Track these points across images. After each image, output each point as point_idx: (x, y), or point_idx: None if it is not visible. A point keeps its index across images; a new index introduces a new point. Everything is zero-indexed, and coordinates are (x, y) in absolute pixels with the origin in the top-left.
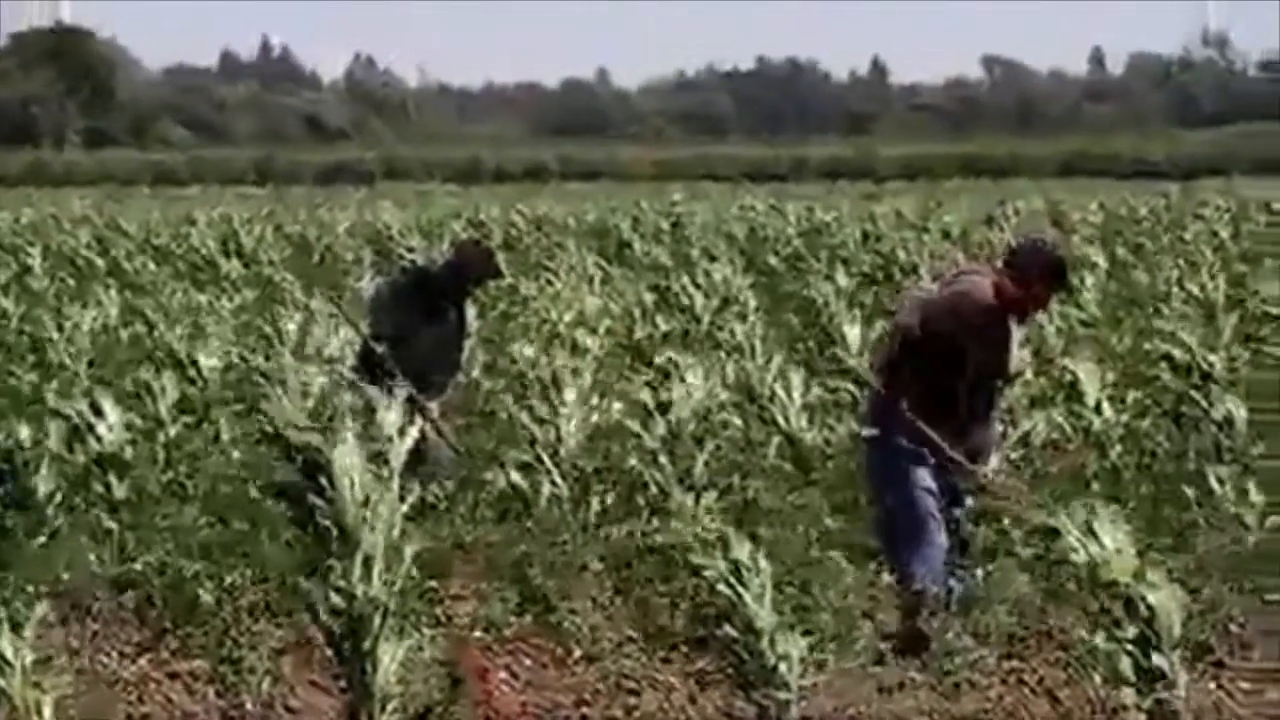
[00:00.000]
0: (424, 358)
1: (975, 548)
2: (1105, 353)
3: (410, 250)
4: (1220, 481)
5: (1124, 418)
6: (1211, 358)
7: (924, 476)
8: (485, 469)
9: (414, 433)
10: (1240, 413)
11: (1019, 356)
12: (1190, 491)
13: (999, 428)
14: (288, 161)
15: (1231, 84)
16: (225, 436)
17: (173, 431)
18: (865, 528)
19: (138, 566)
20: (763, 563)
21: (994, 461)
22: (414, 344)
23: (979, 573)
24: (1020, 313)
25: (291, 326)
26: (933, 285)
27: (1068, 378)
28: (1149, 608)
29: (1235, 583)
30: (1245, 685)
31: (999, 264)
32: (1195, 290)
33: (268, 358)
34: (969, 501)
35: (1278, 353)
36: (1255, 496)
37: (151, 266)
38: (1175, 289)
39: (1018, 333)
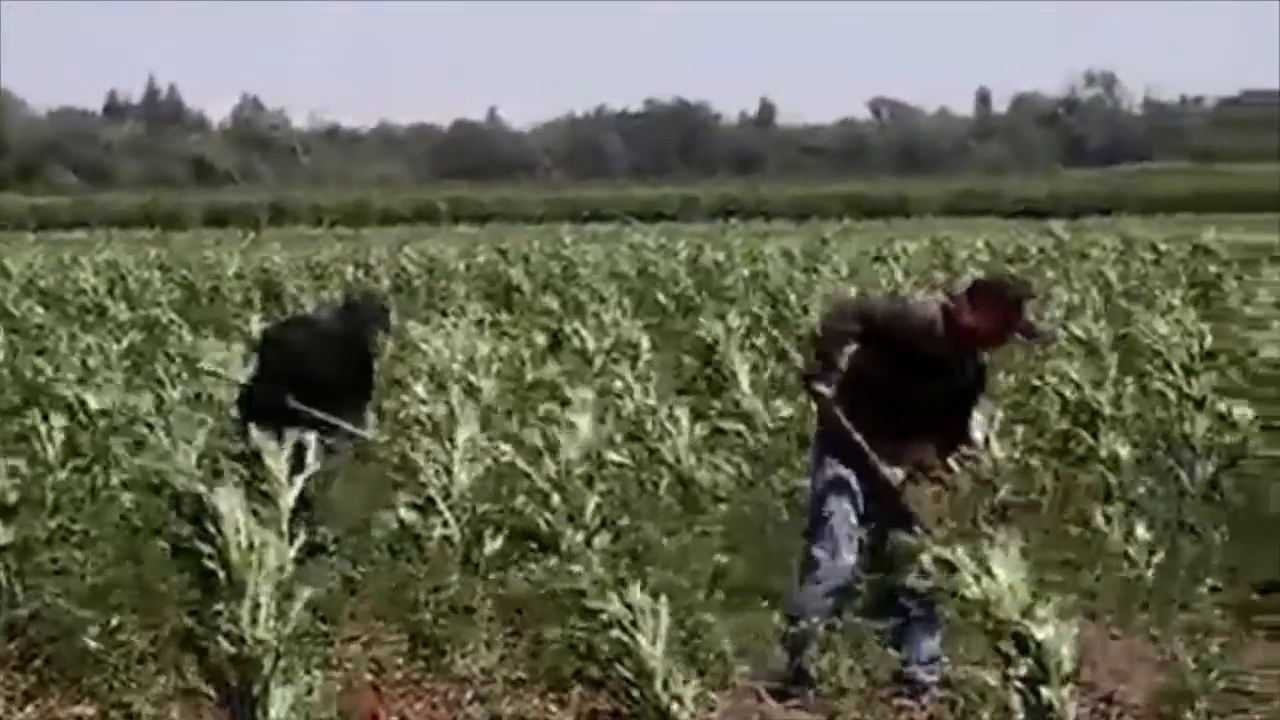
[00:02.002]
0: (309, 404)
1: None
2: (992, 390)
3: (300, 291)
4: (1107, 519)
5: (1013, 455)
6: (1099, 396)
7: (845, 500)
8: (376, 510)
9: (302, 478)
10: (1126, 451)
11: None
12: (1077, 529)
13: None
14: (174, 204)
15: (1117, 123)
16: (114, 481)
17: (60, 476)
18: (755, 567)
19: (23, 612)
20: (655, 604)
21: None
22: (304, 394)
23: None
24: (965, 343)
25: (181, 370)
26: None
27: None
28: (1039, 644)
29: (1123, 619)
30: None
31: (956, 294)
32: (1081, 329)
33: (157, 400)
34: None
35: (1164, 391)
36: (1142, 534)
37: (39, 310)
38: (1062, 327)
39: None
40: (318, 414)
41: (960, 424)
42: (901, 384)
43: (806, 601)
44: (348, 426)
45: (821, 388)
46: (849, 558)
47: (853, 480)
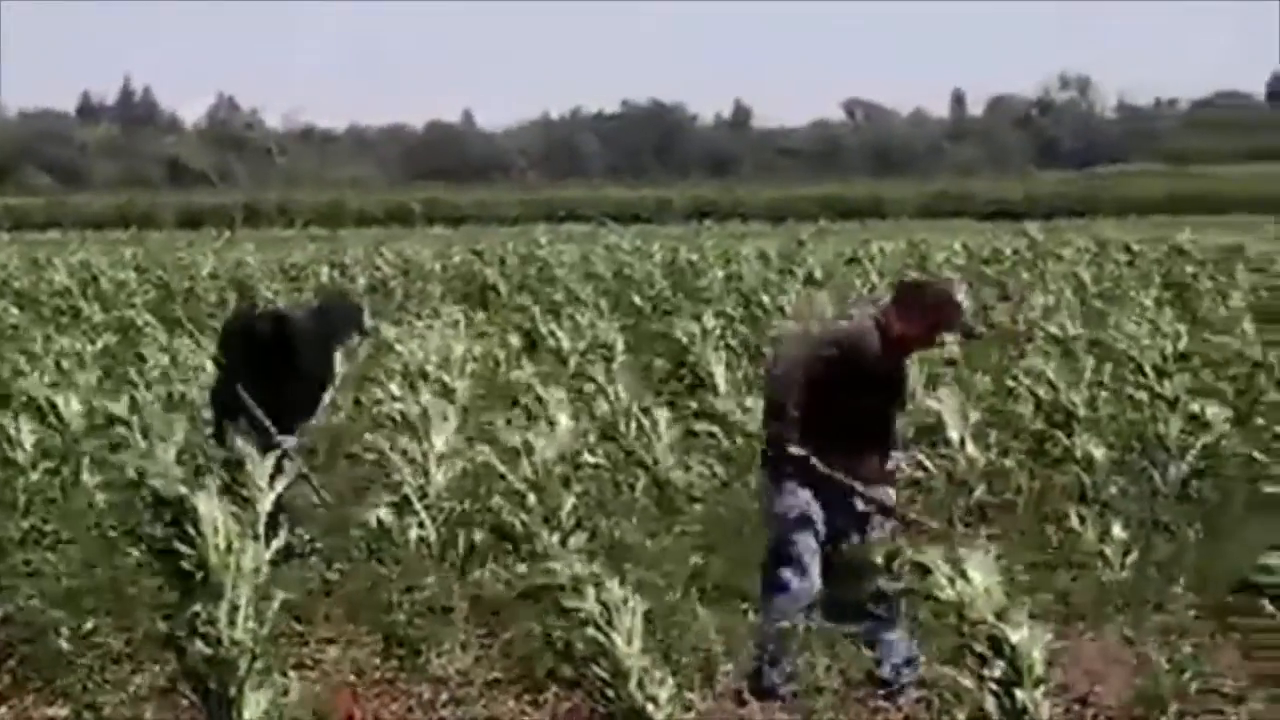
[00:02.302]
0: (275, 399)
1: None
2: (968, 392)
3: (274, 294)
4: (1082, 520)
5: (987, 457)
6: (1074, 397)
7: (809, 528)
8: (352, 511)
9: (282, 480)
10: (1101, 452)
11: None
12: (1052, 530)
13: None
14: (149, 205)
15: (1091, 125)
16: (87, 482)
17: (33, 477)
18: (731, 567)
19: None
20: (631, 603)
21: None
22: (266, 385)
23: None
24: (905, 349)
25: (155, 371)
26: (801, 328)
27: (931, 417)
28: (1012, 647)
29: (1097, 620)
30: None
31: (882, 302)
32: (1056, 330)
33: (131, 402)
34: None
35: (1137, 393)
36: (1117, 535)
37: (13, 311)
38: (1037, 329)
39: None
40: (256, 410)
41: (891, 432)
42: (849, 402)
43: (774, 624)
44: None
45: (795, 449)
46: (816, 580)
47: (814, 505)
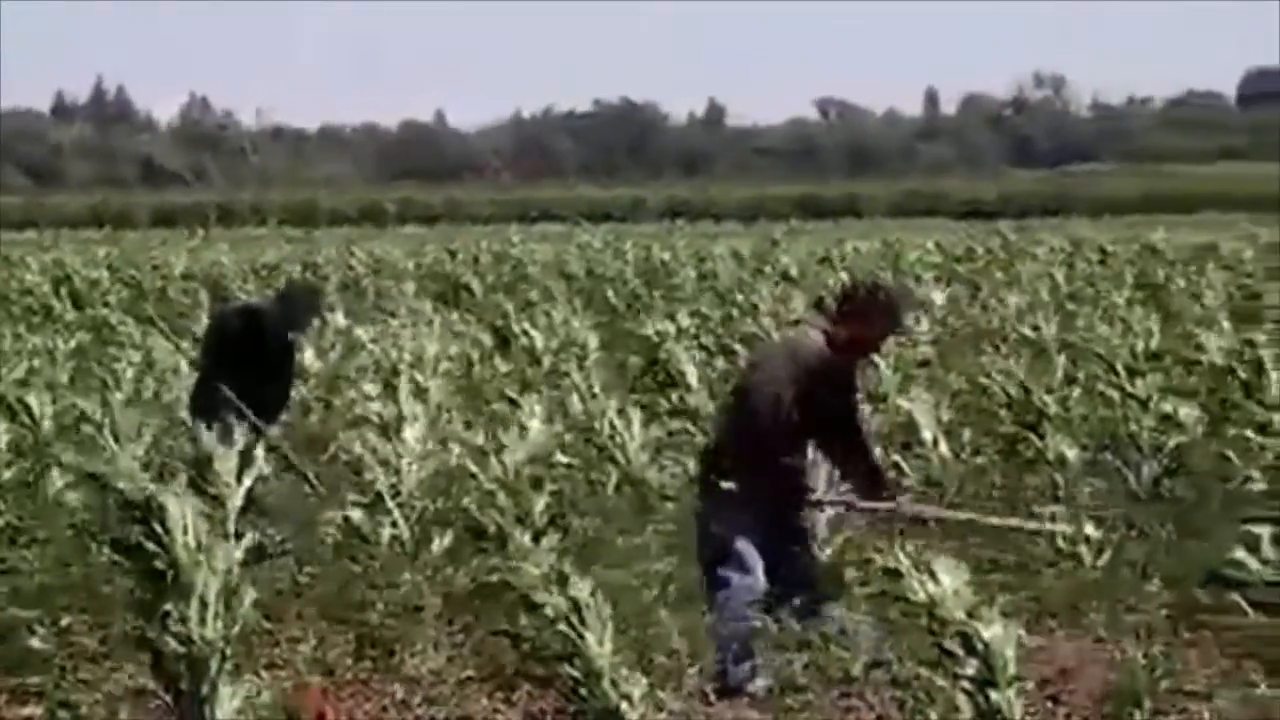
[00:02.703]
0: (255, 391)
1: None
2: (940, 392)
3: (247, 293)
4: (1053, 519)
5: (961, 456)
6: (1046, 397)
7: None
8: (324, 509)
9: (251, 477)
10: (1073, 452)
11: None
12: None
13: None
14: (123, 205)
15: (1064, 124)
16: (59, 481)
17: (5, 475)
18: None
19: None
20: (603, 602)
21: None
22: (245, 378)
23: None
24: (857, 356)
25: (128, 370)
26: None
27: (903, 416)
28: (985, 645)
29: (1070, 619)
30: None
31: (829, 312)
32: (1029, 330)
33: (103, 401)
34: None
35: (1109, 393)
36: (1089, 534)
37: None
38: (1010, 328)
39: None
40: (240, 404)
41: (859, 445)
42: (822, 414)
43: (726, 622)
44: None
45: (817, 495)
46: (760, 578)
47: (754, 530)
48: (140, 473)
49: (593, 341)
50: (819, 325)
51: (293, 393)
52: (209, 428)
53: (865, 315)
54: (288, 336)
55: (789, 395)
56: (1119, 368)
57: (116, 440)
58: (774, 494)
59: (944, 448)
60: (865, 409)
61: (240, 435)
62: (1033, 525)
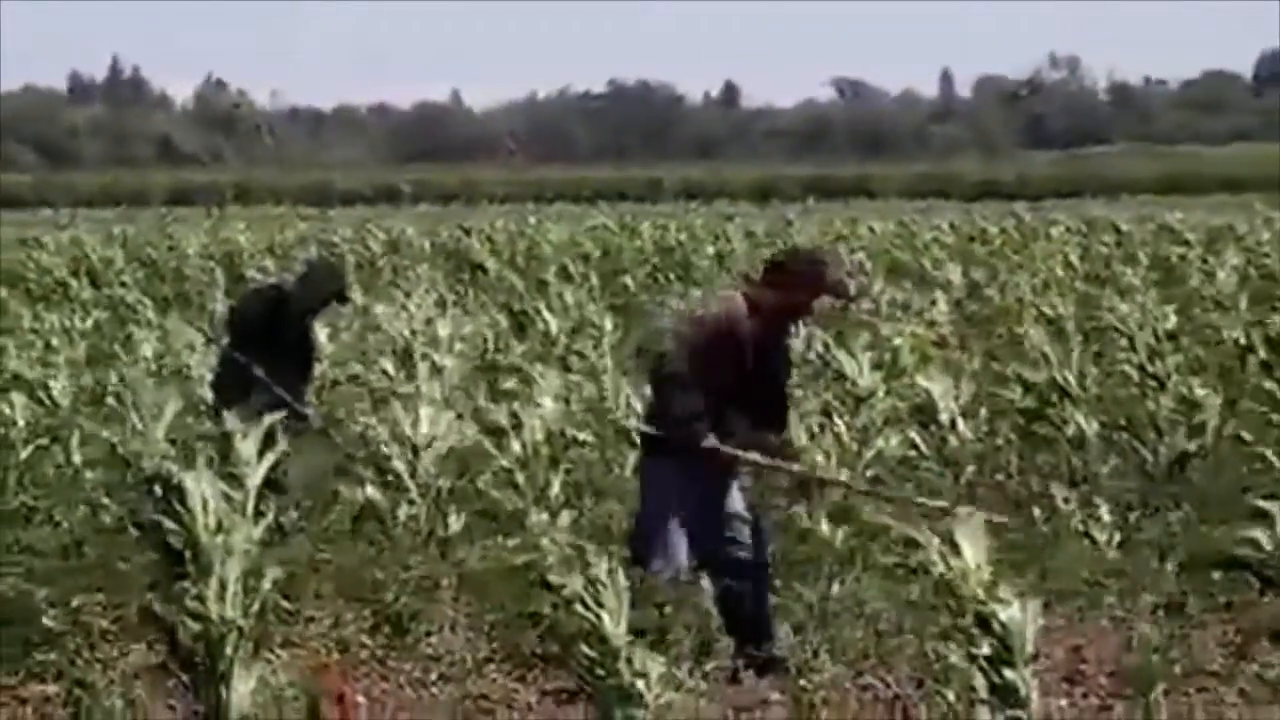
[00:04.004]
0: (279, 372)
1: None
2: (957, 371)
3: (263, 271)
4: (1069, 499)
5: (977, 435)
6: (1067, 376)
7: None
8: (340, 488)
9: (271, 456)
10: (1090, 431)
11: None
12: (1040, 509)
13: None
14: (139, 184)
15: (1080, 106)
16: (77, 459)
17: (24, 454)
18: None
19: None
20: (619, 580)
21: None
22: (269, 358)
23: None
24: (782, 320)
25: (145, 349)
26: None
27: (920, 396)
28: (1002, 624)
29: (1085, 599)
30: (1096, 701)
31: (754, 278)
32: (1046, 310)
33: (120, 379)
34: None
35: (1127, 371)
36: (1106, 514)
37: (1, 290)
38: (1027, 308)
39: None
40: (276, 388)
41: (781, 412)
42: (736, 380)
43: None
44: (300, 406)
45: (710, 443)
46: (683, 560)
47: (685, 492)
48: (164, 450)
49: (608, 322)
50: (742, 290)
51: (314, 372)
52: (231, 407)
53: (789, 280)
54: (310, 316)
55: (699, 359)
56: (1137, 347)
57: (139, 418)
58: (692, 459)
59: (962, 427)
60: (792, 376)
61: (266, 415)
62: (937, 505)
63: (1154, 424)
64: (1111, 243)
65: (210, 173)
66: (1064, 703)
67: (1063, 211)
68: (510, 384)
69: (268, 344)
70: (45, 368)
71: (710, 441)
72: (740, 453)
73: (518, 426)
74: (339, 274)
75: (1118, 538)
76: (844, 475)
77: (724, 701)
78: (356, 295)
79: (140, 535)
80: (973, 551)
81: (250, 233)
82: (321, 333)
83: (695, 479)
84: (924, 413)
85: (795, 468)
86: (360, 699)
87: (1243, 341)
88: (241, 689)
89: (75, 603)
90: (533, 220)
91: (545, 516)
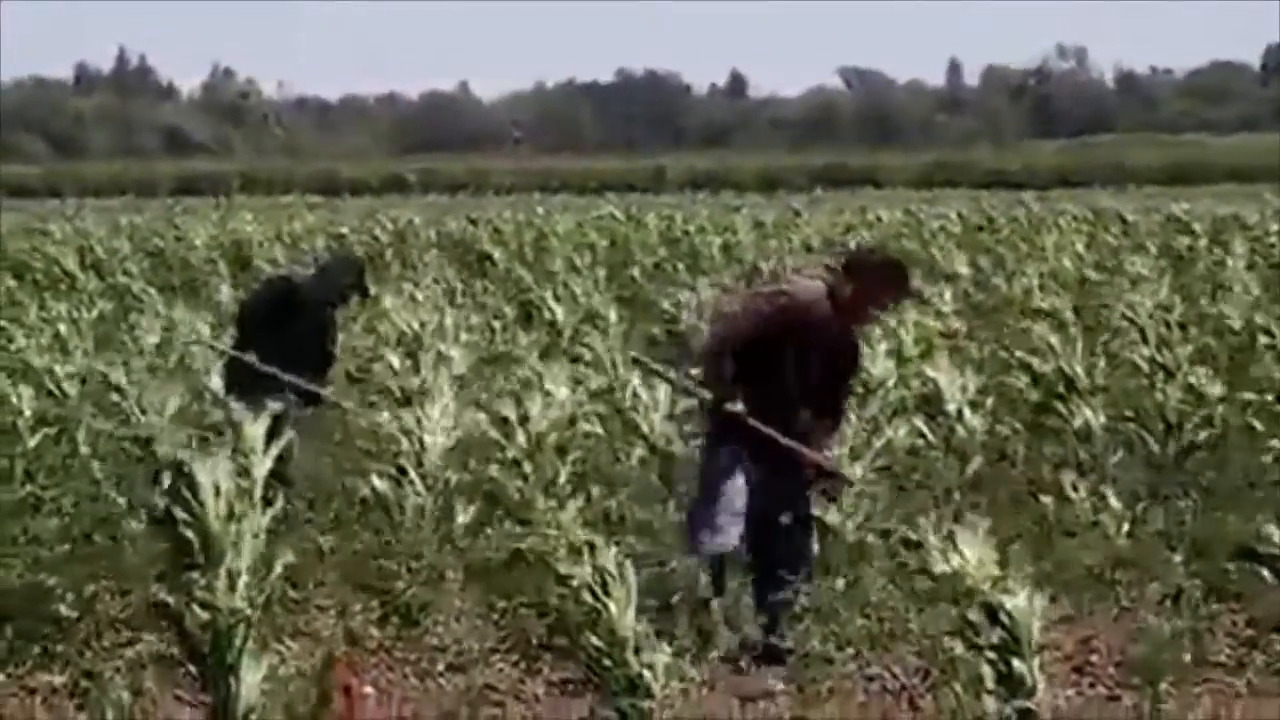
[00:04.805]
0: (291, 364)
1: (809, 556)
2: (964, 361)
3: (274, 264)
4: (1077, 490)
5: (984, 425)
6: (1075, 366)
7: (740, 481)
8: (347, 479)
9: (277, 447)
10: (1098, 422)
11: None
12: (1048, 500)
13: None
14: (145, 173)
15: (1088, 95)
16: (84, 449)
17: (31, 443)
18: None
19: None
20: (627, 572)
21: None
22: (278, 351)
23: (812, 585)
24: (856, 318)
25: (151, 338)
26: (744, 289)
27: (928, 386)
28: (1009, 615)
29: (1093, 590)
30: (1103, 692)
31: (831, 266)
32: (1053, 300)
33: (126, 369)
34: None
35: (1135, 361)
36: (1113, 504)
37: (8, 280)
38: (1034, 299)
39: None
40: (287, 377)
41: (837, 402)
42: (793, 365)
43: (705, 533)
44: (314, 387)
45: (735, 407)
46: (733, 540)
47: (749, 469)
48: (175, 439)
49: (614, 313)
50: (824, 278)
51: (332, 368)
52: (240, 398)
53: (874, 278)
54: (325, 311)
55: (763, 331)
56: (1147, 338)
57: (147, 407)
58: (762, 448)
59: (969, 417)
60: (858, 374)
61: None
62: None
63: (1162, 414)
64: (1119, 233)
65: (218, 162)
66: (1071, 693)
67: (1070, 201)
68: (518, 374)
69: (278, 335)
70: (52, 357)
71: (736, 407)
72: (761, 426)
73: (525, 417)
74: (356, 268)
75: (1126, 529)
76: (856, 469)
77: (728, 692)
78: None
79: (149, 525)
80: (974, 547)
81: (258, 223)
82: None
83: (764, 469)
84: (931, 403)
85: (816, 455)
86: (368, 689)
87: (1251, 331)
88: (250, 679)
89: (83, 593)
90: (540, 211)
91: (553, 506)
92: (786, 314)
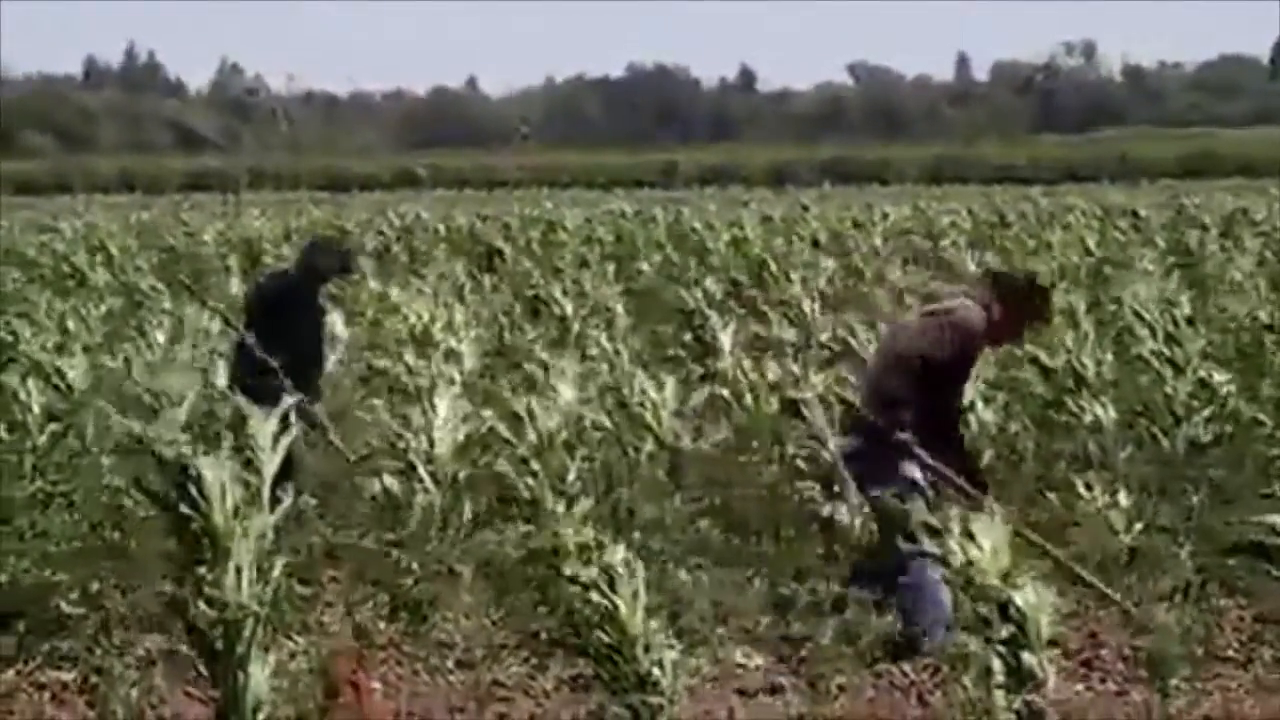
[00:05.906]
0: (293, 356)
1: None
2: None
3: (277, 258)
4: (1088, 486)
5: (995, 420)
6: (1085, 361)
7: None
8: (358, 476)
9: (287, 441)
10: (1109, 417)
11: None
12: (1057, 495)
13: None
14: (154, 169)
15: (1096, 89)
16: (93, 445)
17: (40, 440)
18: (734, 533)
19: (3, 576)
20: (636, 568)
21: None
22: (284, 343)
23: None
24: (1003, 340)
25: (160, 335)
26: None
27: None
28: (1019, 610)
29: (1104, 584)
30: (1113, 686)
31: (981, 292)
32: (1063, 296)
33: (137, 366)
34: None
35: (1145, 356)
36: (1123, 499)
37: (16, 275)
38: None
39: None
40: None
41: (958, 427)
42: (948, 389)
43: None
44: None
45: (904, 436)
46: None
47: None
48: (182, 436)
49: (623, 308)
50: (981, 301)
51: (327, 361)
52: (244, 394)
53: (1020, 300)
54: (313, 296)
55: (937, 360)
56: (1156, 332)
57: (157, 404)
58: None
59: (980, 411)
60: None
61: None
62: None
63: (1171, 410)
64: (1128, 227)
65: (226, 157)
66: (1080, 687)
67: (1078, 196)
68: (526, 370)
69: (281, 328)
70: (61, 353)
71: (904, 436)
72: (927, 458)
73: (533, 413)
74: (338, 246)
75: (1135, 524)
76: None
77: (738, 688)
78: (371, 281)
79: (157, 521)
80: (990, 539)
81: (266, 219)
82: (338, 322)
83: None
84: None
85: (972, 490)
86: (376, 685)
87: (1261, 326)
88: (258, 675)
89: (92, 589)
90: (549, 206)
91: (562, 503)
92: (962, 345)
